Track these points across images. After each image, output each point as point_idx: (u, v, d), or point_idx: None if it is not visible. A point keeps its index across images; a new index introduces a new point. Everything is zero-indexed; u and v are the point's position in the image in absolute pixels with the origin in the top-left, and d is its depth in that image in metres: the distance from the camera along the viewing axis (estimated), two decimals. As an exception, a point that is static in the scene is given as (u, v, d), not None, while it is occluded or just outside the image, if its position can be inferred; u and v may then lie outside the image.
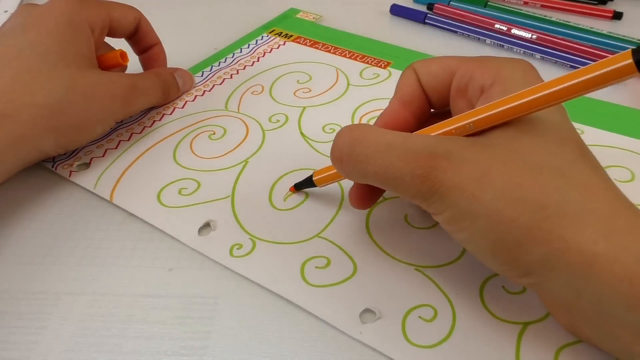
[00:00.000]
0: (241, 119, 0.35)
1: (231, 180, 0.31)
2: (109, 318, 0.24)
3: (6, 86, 0.27)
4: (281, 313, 0.24)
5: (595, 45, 0.42)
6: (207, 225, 0.28)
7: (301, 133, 0.34)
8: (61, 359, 0.22)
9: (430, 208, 0.21)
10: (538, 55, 0.42)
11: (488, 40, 0.45)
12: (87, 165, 0.32)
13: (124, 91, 0.32)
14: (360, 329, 0.23)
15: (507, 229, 0.19)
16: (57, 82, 0.28)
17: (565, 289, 0.19)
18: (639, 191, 0.28)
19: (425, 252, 0.26)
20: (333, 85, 0.39)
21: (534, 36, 0.43)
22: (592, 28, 0.45)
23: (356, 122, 0.35)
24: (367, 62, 0.41)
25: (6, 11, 0.50)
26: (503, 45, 0.44)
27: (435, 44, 0.45)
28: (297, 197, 0.29)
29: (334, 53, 0.42)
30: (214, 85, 0.39)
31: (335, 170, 0.26)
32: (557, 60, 0.41)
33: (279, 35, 0.45)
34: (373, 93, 0.37)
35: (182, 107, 0.37)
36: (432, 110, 0.26)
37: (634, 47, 0.16)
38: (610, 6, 0.49)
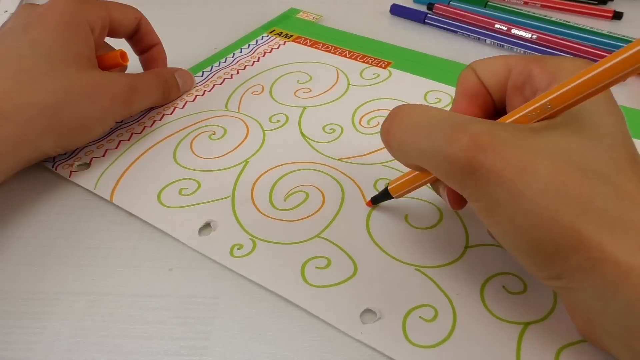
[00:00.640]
0: (241, 119, 0.35)
1: (231, 180, 0.31)
2: (109, 318, 0.24)
3: (6, 86, 0.27)
4: (281, 313, 0.24)
5: (595, 45, 0.42)
6: (207, 225, 0.28)
7: (301, 133, 0.34)
8: (61, 359, 0.22)
9: (465, 192, 0.20)
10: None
11: (488, 40, 0.45)
12: (87, 165, 0.32)
13: (124, 91, 0.31)
14: (361, 329, 0.23)
15: (547, 231, 0.18)
16: (57, 82, 0.28)
17: (593, 299, 0.18)
18: None
19: (426, 252, 0.26)
20: (333, 85, 0.38)
21: (534, 36, 0.43)
22: (592, 28, 0.45)
23: (356, 122, 0.35)
24: (367, 62, 0.41)
25: (6, 11, 0.50)
26: (503, 45, 0.44)
27: (435, 44, 0.45)
28: (297, 197, 0.29)
29: (334, 53, 0.42)
30: (214, 85, 0.39)
31: (409, 176, 0.25)
32: (557, 60, 0.41)
33: (279, 35, 0.45)
34: (373, 93, 0.37)
35: (183, 107, 0.37)
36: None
37: None
38: (610, 6, 0.49)
